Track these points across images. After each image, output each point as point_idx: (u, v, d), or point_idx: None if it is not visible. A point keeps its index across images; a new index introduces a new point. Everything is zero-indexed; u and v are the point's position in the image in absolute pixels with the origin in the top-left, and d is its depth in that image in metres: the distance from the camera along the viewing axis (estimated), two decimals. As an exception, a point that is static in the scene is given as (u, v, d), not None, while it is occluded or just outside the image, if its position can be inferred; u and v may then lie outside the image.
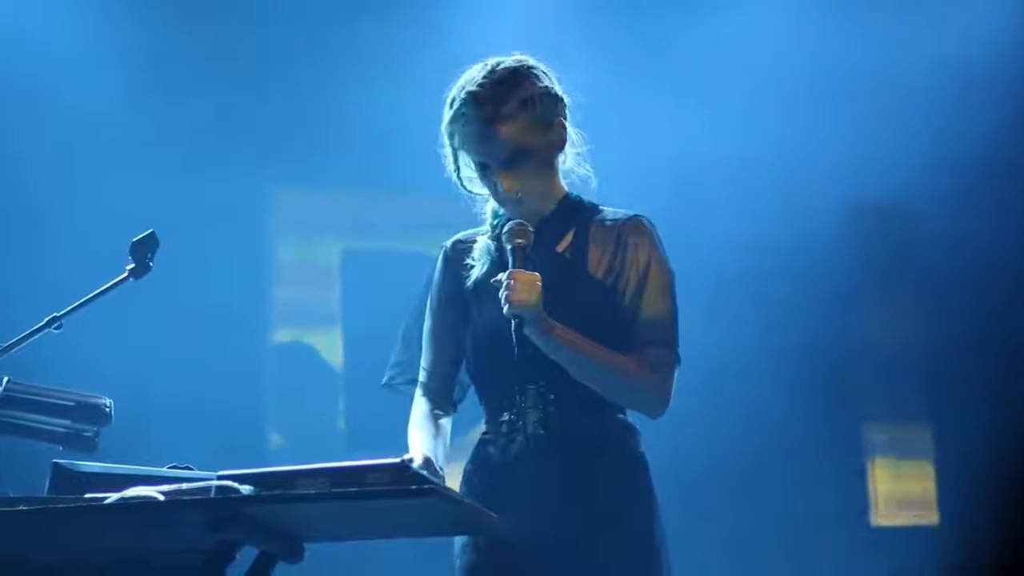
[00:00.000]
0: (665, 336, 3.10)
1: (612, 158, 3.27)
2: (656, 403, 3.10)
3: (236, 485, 2.32)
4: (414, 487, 2.30)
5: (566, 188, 3.20)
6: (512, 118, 3.06)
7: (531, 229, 3.04)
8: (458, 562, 3.10)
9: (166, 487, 2.35)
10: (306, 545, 2.47)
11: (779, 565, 5.65)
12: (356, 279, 5.94)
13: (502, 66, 3.10)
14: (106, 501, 2.36)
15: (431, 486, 2.33)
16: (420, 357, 3.24)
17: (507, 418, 3.08)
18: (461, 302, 3.19)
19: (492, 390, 3.13)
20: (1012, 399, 5.77)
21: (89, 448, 3.05)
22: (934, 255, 6.00)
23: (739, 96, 5.79)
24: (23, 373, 3.11)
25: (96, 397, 3.11)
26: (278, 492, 2.32)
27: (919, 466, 6.09)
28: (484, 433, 3.14)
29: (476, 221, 3.25)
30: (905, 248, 6.14)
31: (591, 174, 3.21)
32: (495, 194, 3.13)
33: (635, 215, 3.18)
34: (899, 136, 5.86)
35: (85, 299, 3.20)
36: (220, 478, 2.36)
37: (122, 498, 2.35)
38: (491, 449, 3.11)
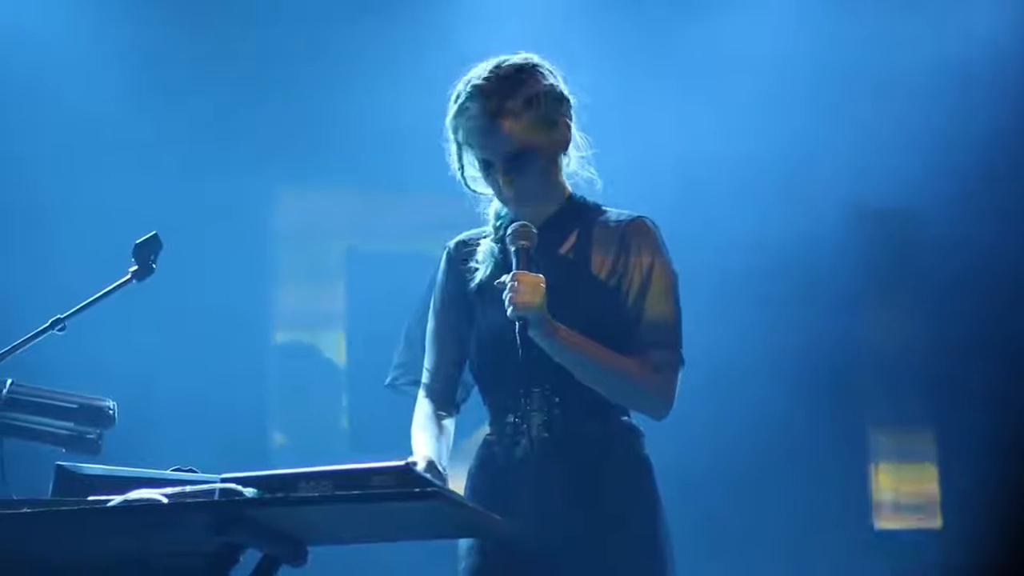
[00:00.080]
0: (668, 338, 3.09)
1: (617, 157, 3.26)
2: (660, 405, 3.09)
3: (240, 488, 2.32)
4: (418, 490, 2.29)
5: (570, 189, 3.19)
6: (516, 115, 3.05)
7: (535, 231, 3.02)
8: (462, 565, 3.09)
9: (170, 489, 2.35)
10: (309, 548, 2.46)
11: (782, 568, 5.64)
12: (359, 280, 5.93)
13: (508, 63, 3.10)
14: (109, 503, 2.35)
15: (435, 489, 2.33)
16: (423, 358, 3.24)
17: (511, 420, 3.08)
18: (464, 303, 3.18)
19: (496, 392, 3.12)
20: (1014, 402, 5.76)
21: (92, 450, 3.06)
22: (936, 258, 5.99)
23: (742, 96, 5.79)
24: (27, 375, 3.11)
25: (99, 399, 3.11)
26: (281, 495, 2.31)
27: (922, 469, 6.08)
28: (488, 435, 3.14)
29: (479, 221, 3.24)
30: (907, 251, 6.14)
31: (595, 177, 3.20)
32: (498, 193, 3.12)
33: (639, 216, 3.17)
34: (900, 138, 5.85)
35: (88, 301, 3.20)
36: (224, 480, 2.35)
37: (125, 500, 2.35)
38: (495, 451, 3.10)
